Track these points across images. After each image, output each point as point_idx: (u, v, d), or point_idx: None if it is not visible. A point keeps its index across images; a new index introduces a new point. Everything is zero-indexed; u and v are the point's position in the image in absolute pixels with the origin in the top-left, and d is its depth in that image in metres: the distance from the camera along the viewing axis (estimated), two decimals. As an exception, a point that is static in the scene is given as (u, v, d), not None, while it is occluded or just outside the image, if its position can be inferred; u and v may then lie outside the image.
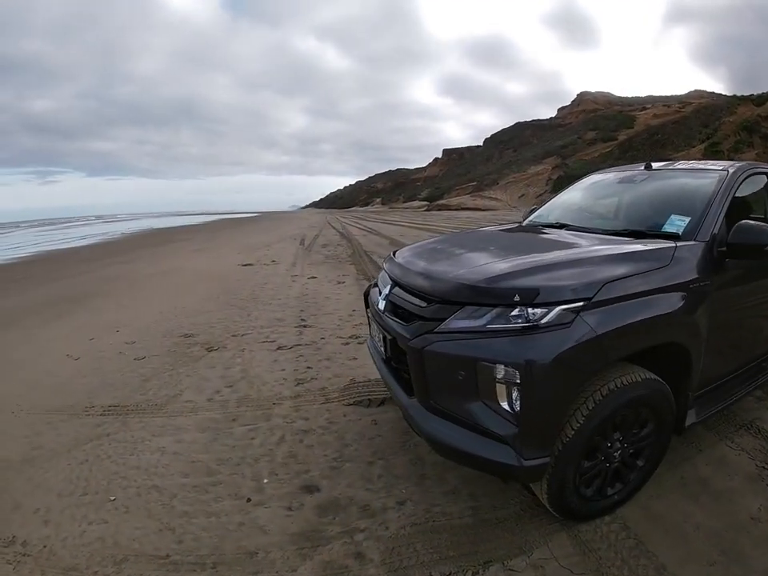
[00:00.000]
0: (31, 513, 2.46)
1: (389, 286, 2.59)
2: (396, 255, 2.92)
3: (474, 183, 68.39)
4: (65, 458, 2.97)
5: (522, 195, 57.00)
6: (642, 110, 67.49)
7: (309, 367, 4.25)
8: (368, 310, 3.05)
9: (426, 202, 75.17)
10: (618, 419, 2.08)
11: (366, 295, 3.11)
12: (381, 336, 2.61)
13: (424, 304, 2.19)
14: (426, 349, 2.04)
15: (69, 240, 28.41)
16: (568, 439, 1.93)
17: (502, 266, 2.18)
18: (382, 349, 2.64)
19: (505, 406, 1.88)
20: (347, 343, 4.92)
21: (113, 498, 2.54)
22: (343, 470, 2.70)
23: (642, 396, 2.08)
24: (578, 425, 1.93)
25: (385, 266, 2.93)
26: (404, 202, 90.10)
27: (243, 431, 3.18)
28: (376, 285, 2.96)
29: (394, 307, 2.45)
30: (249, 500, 2.48)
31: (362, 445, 2.96)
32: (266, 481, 2.64)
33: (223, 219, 62.13)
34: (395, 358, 2.47)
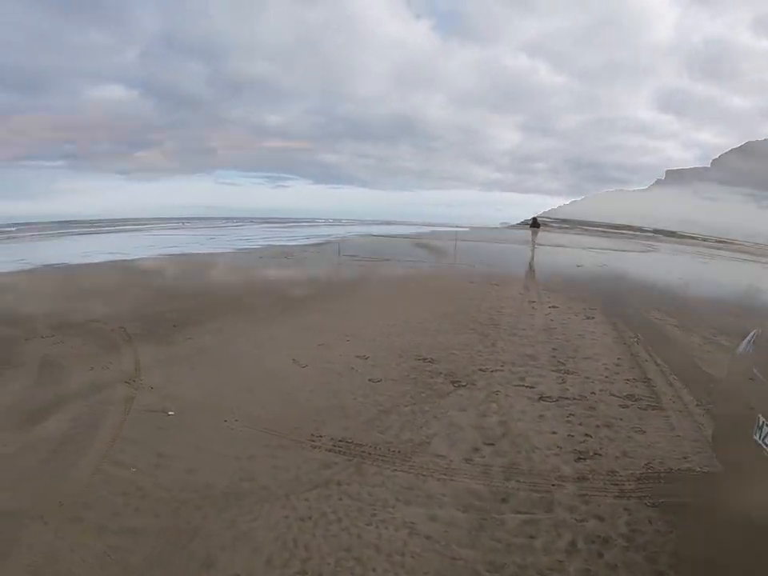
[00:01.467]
0: (226, 579, 2.02)
1: None
2: None
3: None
4: (280, 505, 2.51)
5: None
6: None
7: (587, 435, 3.47)
8: None
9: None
10: None
11: None
12: None
13: None
14: None
15: (295, 238, 31.35)
16: None
17: None
18: None
19: None
20: (626, 406, 4.05)
21: (342, 590, 1.98)
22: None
23: None
24: None
25: None
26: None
27: (518, 522, 2.49)
28: None
29: None
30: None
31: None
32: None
33: (435, 231, 64.11)
34: None
